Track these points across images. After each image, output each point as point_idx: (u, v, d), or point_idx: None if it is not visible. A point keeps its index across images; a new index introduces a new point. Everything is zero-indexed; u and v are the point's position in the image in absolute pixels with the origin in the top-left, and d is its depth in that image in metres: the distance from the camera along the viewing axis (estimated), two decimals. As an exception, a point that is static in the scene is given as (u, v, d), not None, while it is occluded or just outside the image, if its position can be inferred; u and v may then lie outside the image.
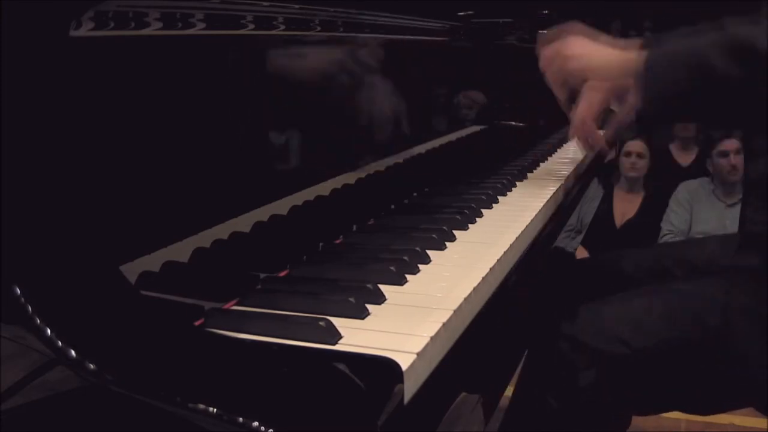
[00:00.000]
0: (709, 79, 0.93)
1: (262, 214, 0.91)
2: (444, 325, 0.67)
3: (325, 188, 1.06)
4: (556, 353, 1.07)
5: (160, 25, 0.72)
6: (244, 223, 0.87)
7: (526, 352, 1.34)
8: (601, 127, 1.26)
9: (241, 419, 0.50)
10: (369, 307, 0.70)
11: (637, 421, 1.27)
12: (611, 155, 3.18)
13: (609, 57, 1.10)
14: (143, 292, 0.67)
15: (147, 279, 0.71)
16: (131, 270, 0.70)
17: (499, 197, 1.21)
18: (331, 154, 1.11)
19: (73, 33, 0.62)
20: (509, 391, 1.39)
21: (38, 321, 0.53)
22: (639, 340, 1.03)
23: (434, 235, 0.93)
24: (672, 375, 1.05)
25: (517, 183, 1.36)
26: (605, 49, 1.12)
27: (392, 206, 1.16)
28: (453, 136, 1.60)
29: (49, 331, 0.53)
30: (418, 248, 0.87)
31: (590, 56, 1.12)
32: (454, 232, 0.98)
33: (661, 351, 1.03)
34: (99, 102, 0.67)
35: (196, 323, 0.66)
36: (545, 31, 1.26)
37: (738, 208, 3.37)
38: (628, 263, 1.36)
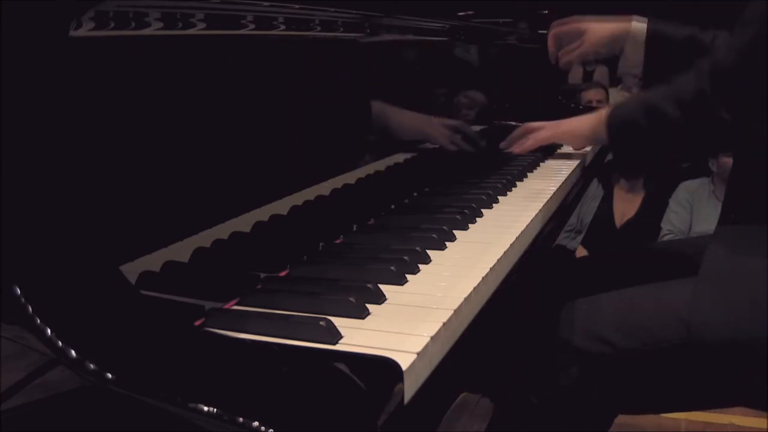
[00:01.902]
0: (659, 121, 1.16)
1: (262, 214, 0.91)
2: (444, 324, 0.67)
3: (325, 188, 1.06)
4: (538, 351, 1.08)
5: (161, 25, 0.72)
6: (244, 223, 0.87)
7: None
8: None
9: (241, 419, 0.50)
10: (369, 306, 0.70)
11: (637, 420, 1.27)
12: (611, 155, 3.18)
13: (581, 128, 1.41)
14: (144, 292, 0.67)
15: (147, 279, 0.71)
16: (131, 270, 0.70)
17: (499, 197, 1.21)
18: (331, 153, 1.11)
19: (73, 33, 0.62)
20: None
21: (38, 321, 0.53)
22: (623, 341, 1.03)
23: (434, 235, 0.93)
24: (655, 375, 1.05)
25: (517, 183, 1.36)
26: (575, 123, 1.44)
27: (392, 206, 1.16)
28: (453, 136, 1.60)
29: (49, 331, 0.53)
30: (418, 248, 0.87)
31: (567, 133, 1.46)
32: (455, 231, 0.98)
33: (644, 352, 1.03)
34: (99, 102, 0.67)
35: (197, 323, 0.66)
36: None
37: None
38: (628, 261, 1.36)
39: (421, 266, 0.84)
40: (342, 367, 0.55)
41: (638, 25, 1.47)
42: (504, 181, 1.31)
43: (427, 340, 0.63)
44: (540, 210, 1.13)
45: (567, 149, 1.69)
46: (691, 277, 1.08)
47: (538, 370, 1.09)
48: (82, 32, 0.63)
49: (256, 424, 0.50)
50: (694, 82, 1.10)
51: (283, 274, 0.82)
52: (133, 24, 0.69)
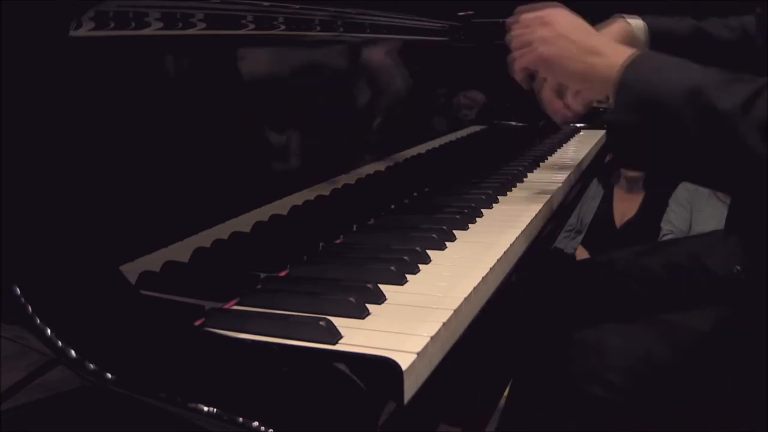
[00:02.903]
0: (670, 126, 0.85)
1: (262, 214, 0.91)
2: (444, 324, 0.67)
3: (325, 188, 1.06)
4: (544, 387, 1.06)
5: (161, 25, 0.72)
6: (244, 223, 0.87)
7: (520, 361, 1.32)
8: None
9: (241, 419, 0.50)
10: (369, 306, 0.70)
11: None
12: (611, 155, 3.18)
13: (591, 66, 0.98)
14: (144, 292, 0.67)
15: (147, 279, 0.71)
16: (131, 270, 0.70)
17: (499, 197, 1.21)
18: (331, 153, 1.11)
19: (73, 33, 0.62)
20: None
21: (38, 321, 0.53)
22: (626, 382, 1.02)
23: (434, 235, 0.93)
24: (657, 415, 1.04)
25: (517, 183, 1.36)
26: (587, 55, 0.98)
27: (392, 206, 1.16)
28: (453, 136, 1.60)
29: (49, 331, 0.53)
30: (418, 248, 0.87)
31: (568, 59, 1.00)
32: (454, 231, 0.98)
33: (648, 394, 1.02)
34: (99, 102, 0.67)
35: (197, 323, 0.66)
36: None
37: (738, 208, 3.36)
38: (626, 264, 1.36)
39: (421, 266, 0.84)
40: (342, 367, 0.55)
41: (636, 23, 1.25)
42: (504, 181, 1.31)
43: (427, 340, 0.63)
44: (540, 210, 1.13)
45: (567, 152, 1.69)
46: (695, 311, 1.06)
47: (541, 406, 1.08)
48: (82, 32, 0.63)
49: (256, 424, 0.50)
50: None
51: (283, 274, 0.82)
52: (133, 24, 0.69)
